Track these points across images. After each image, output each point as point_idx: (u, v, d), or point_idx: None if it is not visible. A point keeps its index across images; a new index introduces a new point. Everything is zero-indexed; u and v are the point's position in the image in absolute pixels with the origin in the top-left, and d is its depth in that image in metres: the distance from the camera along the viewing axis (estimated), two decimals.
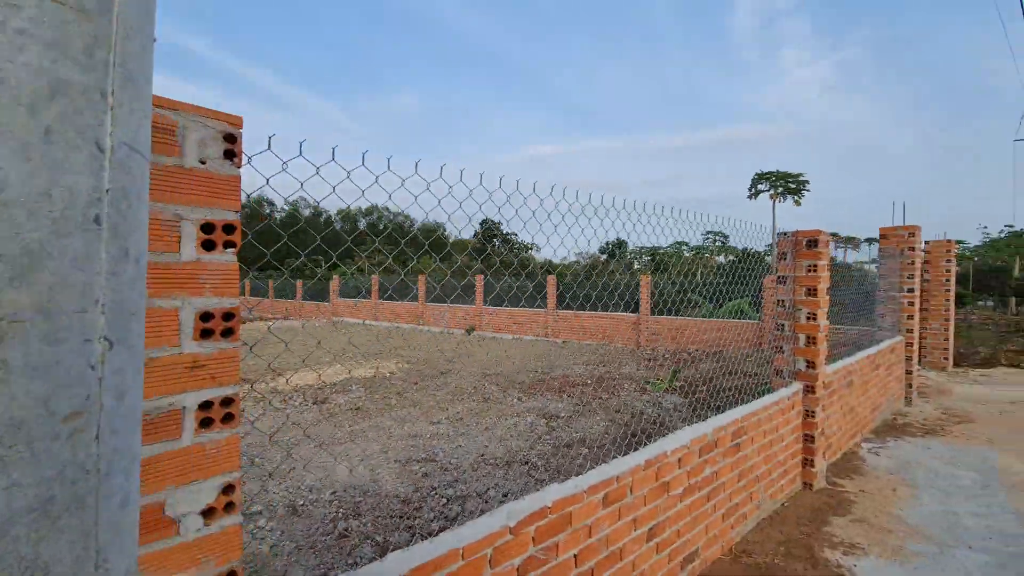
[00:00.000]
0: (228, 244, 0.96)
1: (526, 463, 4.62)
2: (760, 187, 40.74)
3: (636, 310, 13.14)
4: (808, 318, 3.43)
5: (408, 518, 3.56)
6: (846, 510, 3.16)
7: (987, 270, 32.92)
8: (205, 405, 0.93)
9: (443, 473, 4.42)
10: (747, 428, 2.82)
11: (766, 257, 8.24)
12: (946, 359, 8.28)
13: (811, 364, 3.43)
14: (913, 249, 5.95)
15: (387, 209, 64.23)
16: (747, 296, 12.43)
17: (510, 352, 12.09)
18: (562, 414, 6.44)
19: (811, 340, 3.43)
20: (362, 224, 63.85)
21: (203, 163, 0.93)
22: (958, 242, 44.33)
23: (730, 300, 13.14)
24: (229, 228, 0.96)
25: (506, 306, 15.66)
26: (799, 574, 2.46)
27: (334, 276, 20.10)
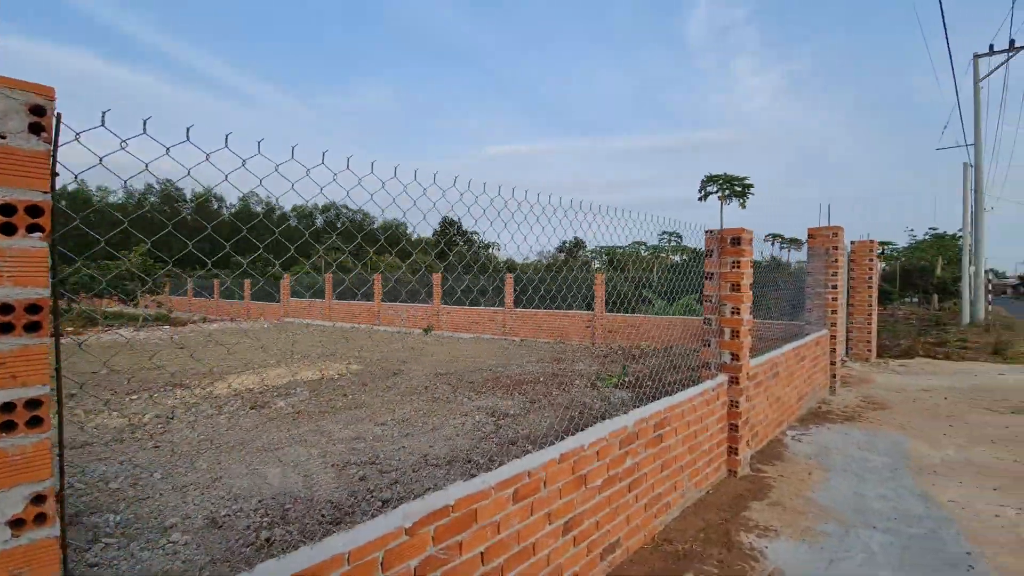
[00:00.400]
0: (33, 228, 0.86)
1: (468, 462, 4.58)
2: (709, 189, 42.52)
3: (592, 308, 13.37)
4: (732, 312, 3.57)
5: (339, 524, 3.44)
6: (765, 495, 3.31)
7: (912, 269, 35.76)
8: (6, 407, 0.83)
9: (382, 476, 4.30)
10: (670, 419, 2.89)
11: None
12: (869, 351, 8.88)
13: (735, 356, 3.57)
14: (836, 248, 6.34)
15: (346, 206, 62.43)
16: (695, 293, 12.92)
17: (466, 351, 12.00)
18: (511, 412, 6.44)
19: (735, 334, 3.56)
20: (319, 221, 61.80)
21: (2, 137, 0.83)
22: (886, 243, 47.87)
23: (681, 298, 13.61)
24: (35, 210, 0.86)
25: (465, 305, 15.55)
26: (715, 558, 2.54)
27: (284, 275, 19.30)
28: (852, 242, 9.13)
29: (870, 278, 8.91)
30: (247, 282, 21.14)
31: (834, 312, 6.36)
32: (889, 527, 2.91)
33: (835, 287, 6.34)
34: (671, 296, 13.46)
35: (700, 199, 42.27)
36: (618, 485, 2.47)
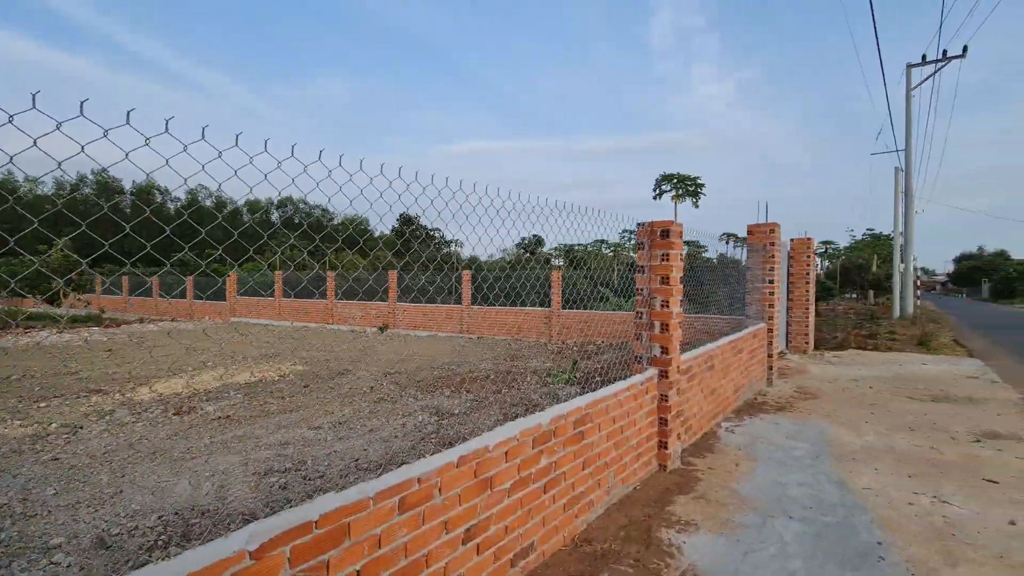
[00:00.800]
0: None
1: (403, 464, 4.37)
2: (664, 188, 43.52)
3: (549, 305, 13.35)
4: (662, 306, 3.53)
5: None
6: (691, 488, 3.29)
7: (851, 267, 37.99)
8: None
9: (305, 483, 4.03)
10: (593, 415, 2.80)
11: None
12: (807, 343, 9.27)
13: (664, 350, 3.54)
14: (773, 244, 6.52)
15: (303, 201, 60.16)
16: None
17: (420, 349, 11.72)
18: (456, 411, 6.26)
19: (664, 327, 3.53)
20: (275, 217, 59.29)
21: None
22: (828, 243, 50.92)
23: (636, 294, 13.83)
24: None
25: (421, 303, 15.21)
26: (632, 556, 2.47)
27: (230, 273, 18.30)
28: (792, 239, 9.49)
29: (807, 274, 9.28)
30: (190, 280, 19.90)
31: (771, 306, 6.54)
32: (805, 515, 2.93)
33: (772, 282, 6.52)
34: (627, 293, 13.65)
35: (655, 198, 43.45)
36: (532, 486, 2.35)
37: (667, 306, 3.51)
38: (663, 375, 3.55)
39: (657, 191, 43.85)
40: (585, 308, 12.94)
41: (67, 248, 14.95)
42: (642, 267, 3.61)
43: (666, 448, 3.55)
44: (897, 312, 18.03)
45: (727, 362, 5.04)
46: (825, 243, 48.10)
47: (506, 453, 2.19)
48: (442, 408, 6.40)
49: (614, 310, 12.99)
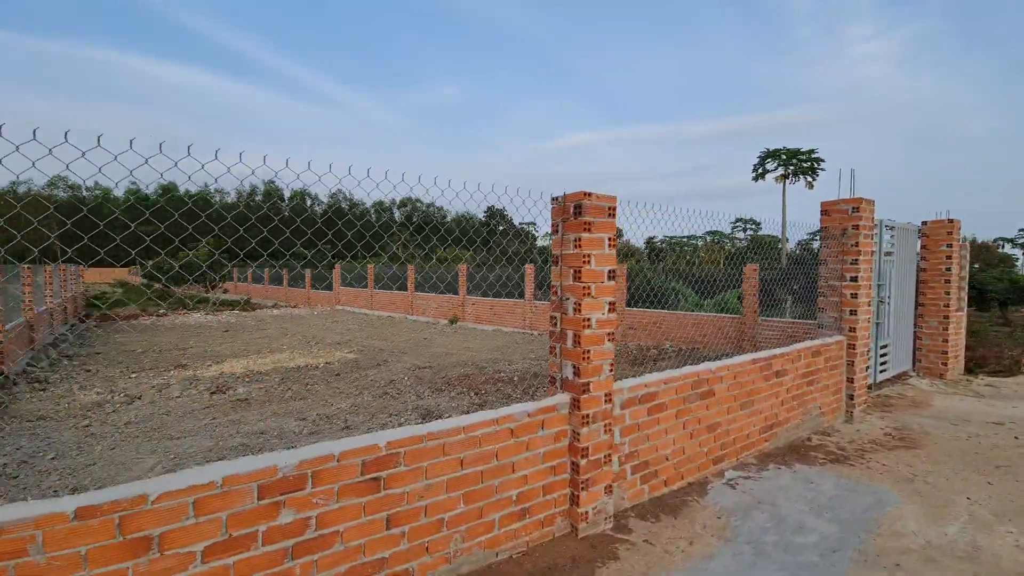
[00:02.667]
0: None
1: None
2: (768, 167, 35.50)
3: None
4: (575, 309, 2.55)
5: None
6: (590, 571, 2.29)
7: None
8: None
9: None
10: (405, 457, 2.04)
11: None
12: (945, 364, 6.73)
13: (576, 371, 2.55)
14: (857, 228, 4.68)
15: (419, 200, 64.96)
16: (737, 288, 11.02)
17: (472, 344, 11.44)
18: (447, 414, 5.75)
19: (577, 340, 2.54)
20: (397, 215, 65.06)
21: None
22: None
23: (722, 292, 11.74)
24: None
25: (489, 296, 15.00)
26: None
27: (336, 265, 20.24)
28: (924, 223, 6.95)
29: (948, 269, 6.70)
30: (308, 272, 22.61)
31: (853, 312, 4.73)
32: None
33: (855, 279, 4.71)
34: (709, 290, 11.70)
35: (755, 179, 35.59)
36: (252, 551, 1.72)
37: (580, 310, 2.52)
38: (575, 404, 2.57)
39: (759, 171, 35.97)
40: (657, 307, 11.37)
41: (209, 246, 17.89)
42: (556, 256, 2.65)
43: (578, 504, 2.57)
44: None
45: (749, 387, 3.67)
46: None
47: (194, 504, 1.60)
48: (434, 410, 5.94)
49: (691, 310, 11.20)
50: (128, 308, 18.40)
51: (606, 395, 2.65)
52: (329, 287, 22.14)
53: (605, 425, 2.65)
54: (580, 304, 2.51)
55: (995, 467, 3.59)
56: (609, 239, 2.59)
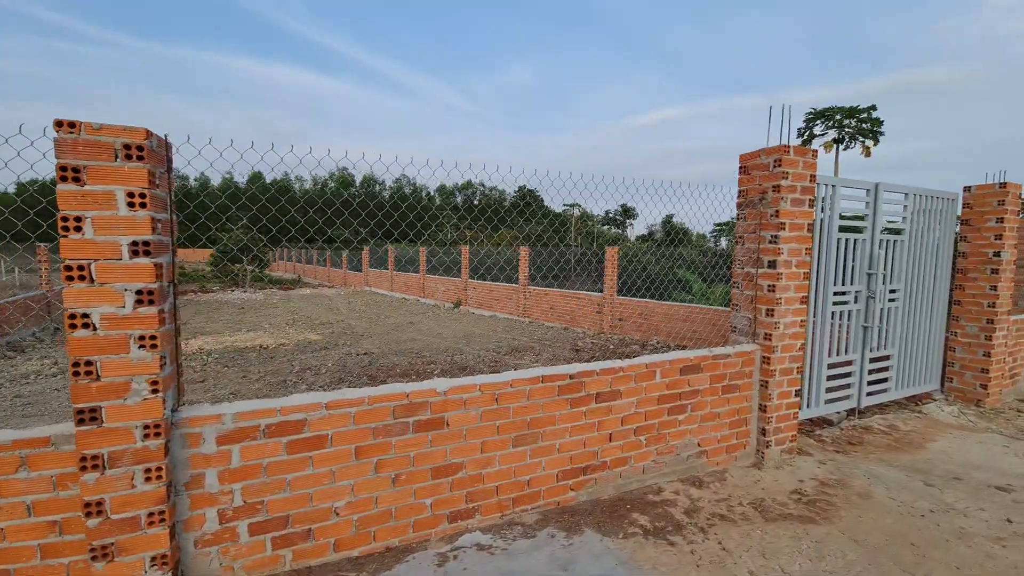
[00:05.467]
0: None
1: None
2: (815, 131, 28.36)
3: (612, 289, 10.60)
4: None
5: None
6: None
7: None
8: None
9: None
10: None
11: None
12: (985, 386, 4.73)
13: (91, 393, 1.69)
14: (778, 189, 3.15)
15: (482, 184, 65.36)
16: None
17: (453, 329, 10.72)
18: None
19: (84, 347, 1.67)
20: (459, 199, 65.97)
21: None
22: None
23: (726, 283, 9.83)
24: None
25: (487, 280, 14.15)
26: None
27: (364, 248, 20.52)
28: (967, 188, 4.86)
29: (998, 254, 4.63)
30: (344, 255, 23.28)
31: (770, 312, 3.24)
32: None
33: (773, 264, 3.21)
34: (711, 279, 9.86)
35: (804, 142, 28.36)
36: None
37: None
38: (88, 441, 1.71)
39: (804, 136, 29.00)
40: (650, 296, 9.79)
41: (246, 229, 18.91)
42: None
43: None
44: None
45: (528, 415, 2.53)
46: None
47: None
48: None
49: (690, 301, 9.49)
50: (190, 284, 20.17)
51: (147, 427, 1.76)
52: (358, 269, 22.61)
53: (148, 469, 1.77)
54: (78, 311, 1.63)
55: (926, 559, 2.13)
56: (130, 194, 1.66)
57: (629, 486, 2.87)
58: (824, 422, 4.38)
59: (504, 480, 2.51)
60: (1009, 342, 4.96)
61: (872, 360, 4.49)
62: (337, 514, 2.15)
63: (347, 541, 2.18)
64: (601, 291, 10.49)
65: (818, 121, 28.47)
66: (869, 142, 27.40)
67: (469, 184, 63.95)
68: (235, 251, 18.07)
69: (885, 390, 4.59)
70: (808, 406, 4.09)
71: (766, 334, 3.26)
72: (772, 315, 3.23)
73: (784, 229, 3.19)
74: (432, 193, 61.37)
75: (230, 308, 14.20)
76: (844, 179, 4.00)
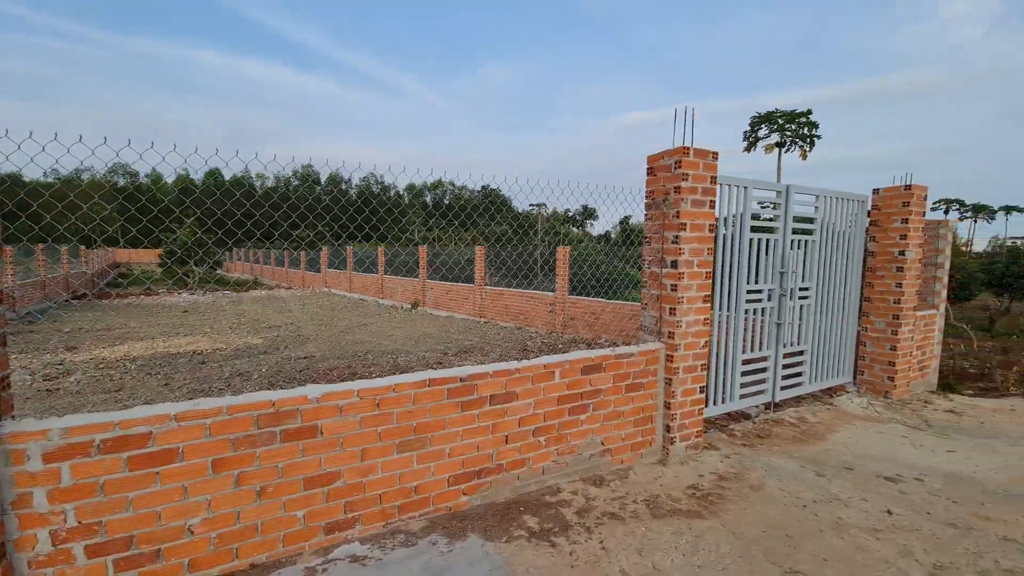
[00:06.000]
0: None
1: None
2: (759, 133, 29.76)
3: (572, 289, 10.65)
4: None
5: None
6: None
7: None
8: None
9: None
10: None
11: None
12: (892, 378, 4.98)
13: None
14: (679, 190, 3.21)
15: (452, 183, 64.72)
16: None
17: (405, 332, 10.53)
18: None
19: None
20: (428, 198, 65.19)
21: None
22: None
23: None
24: None
25: (446, 281, 14.00)
26: None
27: (322, 248, 19.96)
28: (876, 190, 5.12)
29: (903, 253, 4.89)
30: (302, 253, 22.58)
31: (673, 310, 3.30)
32: None
33: (675, 264, 3.26)
34: None
35: (747, 149, 30.17)
36: None
37: None
38: None
39: (750, 138, 30.47)
40: (601, 295, 9.90)
41: (192, 229, 18.07)
42: None
43: None
44: None
45: (414, 420, 2.47)
46: None
47: None
48: None
49: (630, 300, 9.65)
50: (136, 287, 19.10)
51: None
52: (317, 270, 21.99)
53: None
54: None
55: (786, 571, 2.18)
56: None
57: (528, 488, 2.85)
58: (742, 416, 4.50)
59: (388, 487, 2.43)
60: (916, 336, 5.24)
61: (786, 355, 4.65)
62: (192, 532, 2.02)
63: (205, 560, 2.05)
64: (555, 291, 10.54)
65: (762, 125, 29.63)
66: (806, 146, 28.77)
67: (439, 183, 63.30)
68: (180, 253, 17.23)
69: (799, 384, 4.77)
70: (724, 401, 4.19)
71: (670, 332, 3.31)
72: (674, 314, 3.28)
73: (685, 229, 3.24)
74: (401, 192, 60.39)
75: (172, 312, 13.52)
76: (756, 181, 4.12)
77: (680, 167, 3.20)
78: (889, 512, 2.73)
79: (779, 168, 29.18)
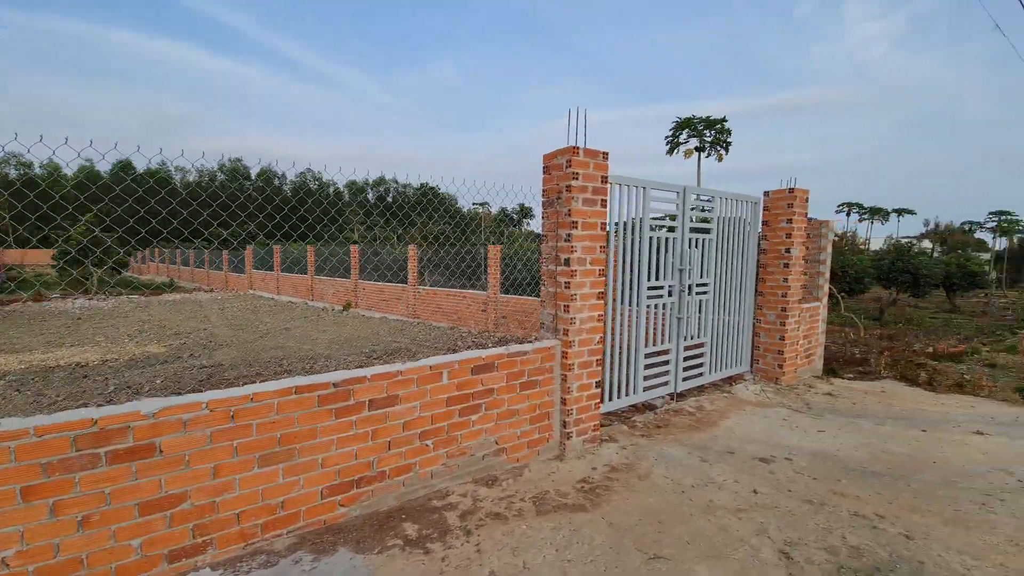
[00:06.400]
0: None
1: None
2: (680, 138, 31.93)
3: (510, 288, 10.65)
4: None
5: None
6: None
7: None
8: None
9: None
10: None
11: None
12: (781, 366, 5.42)
13: None
14: (571, 189, 3.27)
15: (395, 181, 63.00)
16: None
17: (330, 336, 10.06)
18: None
19: None
20: (371, 195, 63.10)
21: None
22: (1002, 212, 35.55)
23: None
24: None
25: (379, 281, 13.57)
26: None
27: (247, 247, 18.68)
28: (767, 192, 5.55)
29: (788, 250, 5.33)
30: (224, 253, 21.01)
31: (567, 307, 3.36)
32: None
33: (567, 262, 3.32)
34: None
35: (669, 152, 32.28)
36: None
37: None
38: None
39: (672, 142, 32.55)
40: (532, 293, 10.00)
41: (87, 228, 16.26)
42: None
43: None
44: None
45: (277, 431, 2.31)
46: (998, 213, 34.51)
47: None
48: None
49: None
50: (24, 291, 16.84)
51: None
52: (241, 271, 20.58)
53: None
54: None
55: (650, 558, 2.26)
56: None
57: (415, 493, 2.77)
58: (648, 407, 4.68)
59: (249, 505, 2.26)
60: (803, 327, 5.71)
61: (687, 348, 4.90)
62: (7, 565, 1.76)
63: None
64: (487, 290, 10.52)
65: (683, 130, 31.53)
66: (722, 150, 31.08)
67: (382, 180, 61.46)
68: (73, 252, 15.43)
69: (700, 375, 5.05)
70: (628, 394, 4.34)
71: (564, 329, 3.36)
72: (568, 311, 3.33)
73: (577, 227, 3.30)
74: (341, 189, 57.99)
75: (63, 319, 12.07)
76: (653, 182, 4.29)
77: (571, 166, 3.24)
78: (756, 492, 2.92)
79: (699, 172, 31.14)
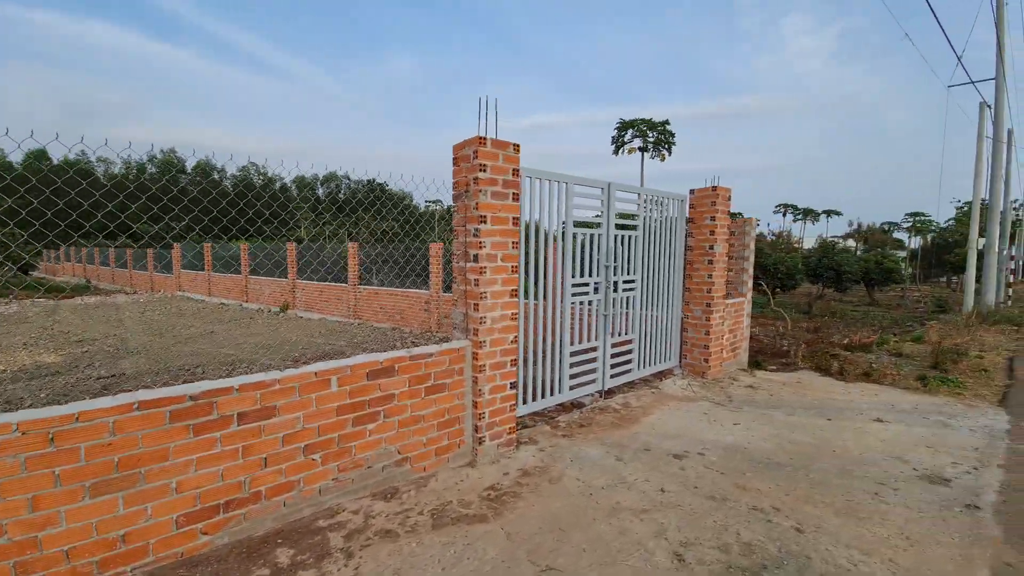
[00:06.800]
0: None
1: None
2: (625, 138, 33.30)
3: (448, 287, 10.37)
4: None
5: None
6: None
7: (945, 245, 29.74)
8: None
9: None
10: None
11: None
12: (707, 360, 5.54)
13: None
14: (478, 181, 3.13)
15: (347, 176, 60.80)
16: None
17: (267, 337, 9.42)
18: None
19: None
20: (320, 192, 60.61)
21: None
22: (916, 214, 39.39)
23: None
24: None
25: (317, 281, 12.93)
26: None
27: (175, 245, 17.30)
28: (692, 191, 5.67)
29: (712, 247, 5.47)
30: (149, 251, 19.39)
31: (476, 306, 3.21)
32: None
33: (476, 258, 3.17)
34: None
35: (615, 152, 33.56)
36: None
37: None
38: None
39: (617, 142, 33.89)
40: None
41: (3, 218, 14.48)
42: None
43: None
44: (970, 303, 12.63)
45: (116, 454, 2.01)
46: (913, 215, 38.04)
47: None
48: None
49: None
50: None
51: None
52: (168, 271, 19.08)
53: None
54: None
55: (542, 570, 2.15)
56: None
57: (299, 513, 2.52)
58: (576, 406, 4.62)
59: (81, 540, 1.93)
60: (728, 322, 5.87)
61: (615, 345, 4.88)
62: None
63: None
64: (430, 289, 10.23)
65: (628, 130, 32.52)
66: (665, 151, 32.40)
67: (334, 176, 59.22)
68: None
69: (628, 371, 5.06)
70: (553, 393, 4.25)
71: (475, 329, 3.20)
72: (478, 309, 3.17)
73: (486, 222, 3.14)
74: (288, 184, 55.29)
75: None
76: (577, 177, 4.21)
77: (478, 157, 3.08)
78: (663, 490, 2.89)
79: (642, 172, 32.22)
